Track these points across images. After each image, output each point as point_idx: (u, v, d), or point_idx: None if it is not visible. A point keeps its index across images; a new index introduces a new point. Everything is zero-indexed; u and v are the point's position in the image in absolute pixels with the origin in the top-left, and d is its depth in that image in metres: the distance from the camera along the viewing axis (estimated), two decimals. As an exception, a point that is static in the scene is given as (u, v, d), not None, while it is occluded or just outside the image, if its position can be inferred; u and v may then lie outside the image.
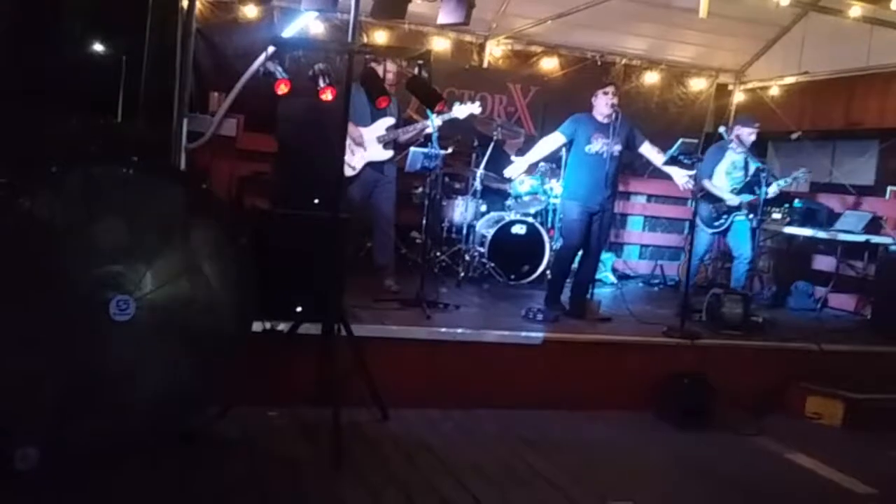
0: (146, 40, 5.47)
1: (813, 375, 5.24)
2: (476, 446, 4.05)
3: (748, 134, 6.37)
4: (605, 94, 5.58)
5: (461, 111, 5.87)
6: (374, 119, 5.79)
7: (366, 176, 5.79)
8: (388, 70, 5.72)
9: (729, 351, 5.29)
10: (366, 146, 5.76)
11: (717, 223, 6.40)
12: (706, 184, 6.23)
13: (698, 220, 6.25)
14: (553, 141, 5.73)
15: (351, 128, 5.68)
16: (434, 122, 5.62)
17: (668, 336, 5.23)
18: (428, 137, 5.73)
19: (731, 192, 6.34)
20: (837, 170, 7.98)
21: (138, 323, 3.18)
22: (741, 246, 6.40)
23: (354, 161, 5.71)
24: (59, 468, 3.03)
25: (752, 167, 6.37)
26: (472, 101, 6.25)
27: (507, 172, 6.02)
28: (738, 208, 6.33)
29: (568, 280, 5.92)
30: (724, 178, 6.39)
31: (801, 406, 5.18)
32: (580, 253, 5.80)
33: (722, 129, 6.50)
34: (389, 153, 5.83)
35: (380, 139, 5.79)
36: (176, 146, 5.24)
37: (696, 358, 5.07)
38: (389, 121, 5.82)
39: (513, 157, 6.15)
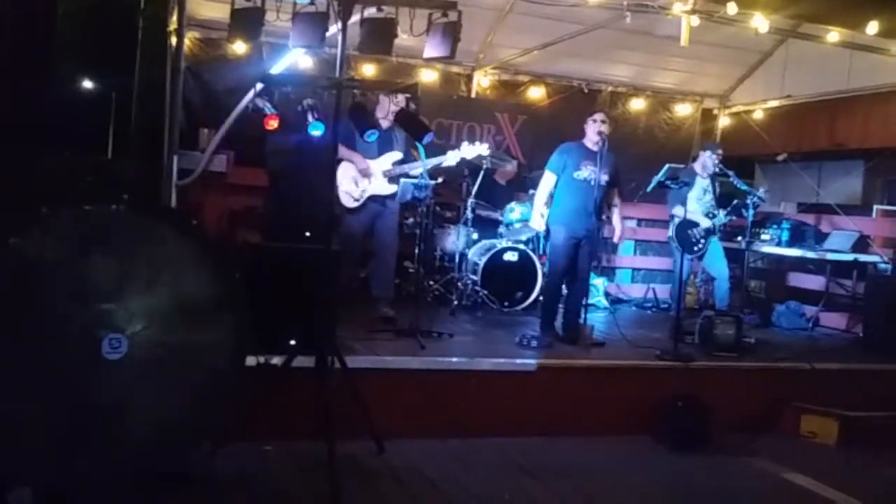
0: (136, 78, 5.53)
1: (806, 395, 5.26)
2: (473, 475, 4.04)
3: (708, 157, 6.64)
4: (594, 121, 5.62)
5: (470, 151, 5.92)
6: (380, 153, 5.81)
7: (369, 207, 5.79)
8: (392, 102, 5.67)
9: (722, 373, 5.31)
10: (371, 179, 5.76)
11: (696, 248, 6.58)
12: (681, 210, 6.19)
13: (676, 246, 6.42)
14: (547, 182, 5.72)
15: (358, 159, 5.71)
16: (450, 160, 5.75)
17: (662, 360, 5.24)
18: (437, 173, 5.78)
19: (705, 216, 6.59)
20: (824, 190, 8.07)
21: (131, 360, 3.17)
22: (717, 266, 6.67)
23: (358, 193, 5.73)
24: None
25: (717, 189, 6.75)
26: (461, 130, 6.29)
27: (534, 226, 6.05)
28: (713, 231, 6.59)
29: (560, 305, 5.94)
30: (695, 204, 6.60)
31: (795, 425, 5.19)
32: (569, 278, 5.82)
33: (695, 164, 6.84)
34: (394, 188, 5.79)
35: (385, 173, 5.80)
36: (166, 183, 5.26)
37: (691, 381, 5.08)
38: (396, 155, 5.82)
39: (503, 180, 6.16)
